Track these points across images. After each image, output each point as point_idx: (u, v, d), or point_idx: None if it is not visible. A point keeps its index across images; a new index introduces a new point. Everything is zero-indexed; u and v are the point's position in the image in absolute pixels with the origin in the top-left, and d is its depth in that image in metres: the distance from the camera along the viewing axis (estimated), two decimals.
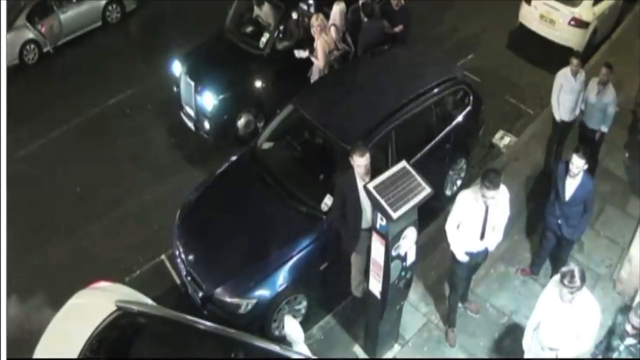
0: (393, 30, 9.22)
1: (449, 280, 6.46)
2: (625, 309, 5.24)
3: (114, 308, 5.71)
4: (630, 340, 4.99)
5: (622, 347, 5.04)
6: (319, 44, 8.66)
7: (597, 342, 5.39)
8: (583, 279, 4.65)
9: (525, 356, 5.54)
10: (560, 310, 4.88)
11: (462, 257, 5.91)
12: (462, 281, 6.30)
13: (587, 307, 4.83)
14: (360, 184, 5.67)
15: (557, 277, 4.85)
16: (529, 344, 5.40)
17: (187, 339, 5.55)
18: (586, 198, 6.22)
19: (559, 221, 6.42)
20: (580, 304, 4.80)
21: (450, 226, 5.83)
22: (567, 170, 6.10)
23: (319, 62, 8.74)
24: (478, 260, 6.14)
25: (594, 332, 4.96)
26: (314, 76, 9.02)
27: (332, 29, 8.84)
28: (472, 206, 5.62)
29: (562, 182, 6.21)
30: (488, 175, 5.39)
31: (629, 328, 4.89)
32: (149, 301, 6.16)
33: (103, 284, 6.39)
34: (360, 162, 5.65)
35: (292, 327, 5.62)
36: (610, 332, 5.25)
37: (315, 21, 8.63)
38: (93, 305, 5.91)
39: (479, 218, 5.67)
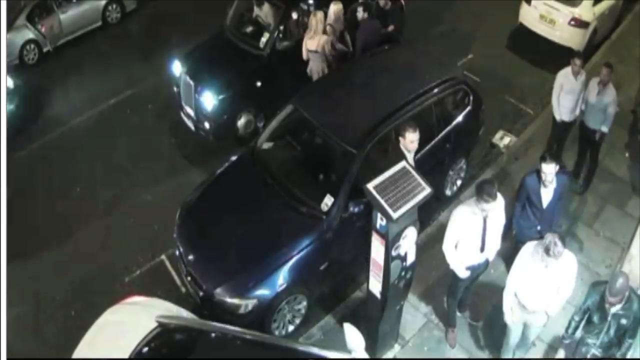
0: (385, 30, 9.23)
1: (449, 287, 6.39)
2: (596, 285, 5.27)
3: (155, 324, 5.37)
4: (615, 308, 5.03)
5: (609, 317, 5.08)
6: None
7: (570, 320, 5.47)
8: (564, 243, 4.96)
9: (509, 323, 5.76)
10: (541, 273, 5.14)
11: (463, 274, 5.86)
12: (462, 289, 6.28)
13: (566, 262, 5.11)
14: (411, 160, 6.22)
15: (530, 246, 5.24)
16: (510, 315, 5.62)
17: (239, 353, 5.31)
18: (561, 193, 6.13)
19: (538, 227, 6.22)
20: (560, 262, 5.05)
21: (448, 246, 5.73)
22: (539, 180, 5.96)
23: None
24: (479, 271, 6.11)
25: (574, 282, 5.30)
26: (311, 73, 9.04)
27: (329, 28, 8.84)
28: (470, 221, 5.55)
29: (536, 192, 6.05)
30: (484, 187, 5.31)
31: (608, 305, 4.98)
32: (191, 315, 5.94)
33: (138, 298, 6.09)
34: (413, 137, 6.18)
35: (351, 334, 5.47)
36: (586, 310, 5.29)
37: (314, 17, 8.65)
38: (131, 322, 5.55)
39: (478, 231, 5.61)
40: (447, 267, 7.31)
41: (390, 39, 9.25)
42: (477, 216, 5.49)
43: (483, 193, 5.27)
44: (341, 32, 9.24)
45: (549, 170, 5.80)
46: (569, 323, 5.49)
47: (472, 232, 5.61)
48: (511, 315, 5.65)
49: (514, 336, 5.94)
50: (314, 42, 8.73)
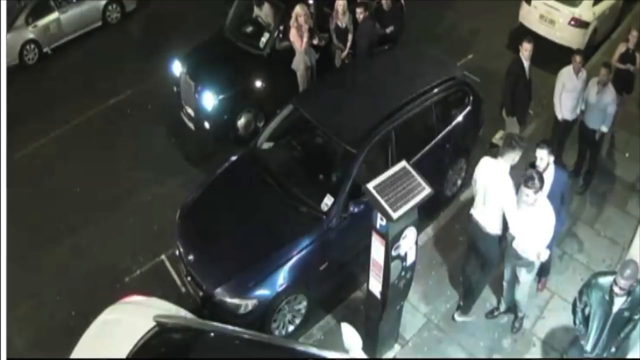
0: (384, 31, 9.22)
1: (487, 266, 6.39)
2: (598, 276, 5.33)
3: (153, 324, 5.34)
4: (619, 301, 5.07)
5: (614, 309, 5.09)
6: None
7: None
8: (542, 180, 5.43)
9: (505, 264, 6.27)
10: (526, 214, 5.60)
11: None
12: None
13: (545, 210, 5.57)
14: (526, 64, 7.82)
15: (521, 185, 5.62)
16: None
17: (238, 353, 5.28)
18: (563, 191, 6.19)
19: None
20: (540, 207, 5.54)
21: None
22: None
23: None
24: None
25: (547, 239, 5.69)
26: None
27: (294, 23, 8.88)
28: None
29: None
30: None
31: (617, 290, 4.99)
32: (189, 315, 5.90)
33: (136, 297, 6.05)
34: (529, 47, 7.69)
35: (348, 334, 5.45)
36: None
37: (301, 10, 8.72)
38: (129, 322, 5.53)
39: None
40: (446, 267, 7.37)
41: (389, 39, 9.25)
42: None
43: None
44: (344, 30, 9.25)
45: (541, 155, 5.93)
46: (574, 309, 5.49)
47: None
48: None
49: (507, 271, 6.33)
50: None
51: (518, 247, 5.86)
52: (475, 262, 6.41)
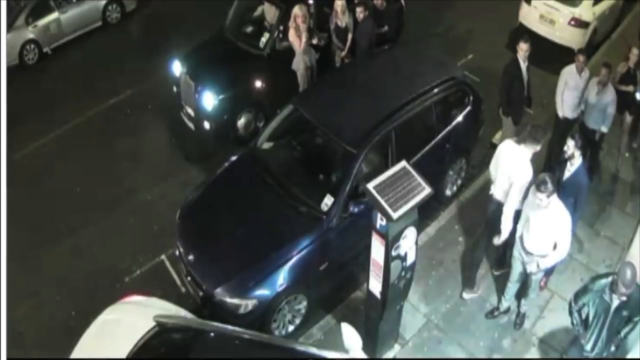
0: (379, 30, 9.23)
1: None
2: (595, 280, 5.35)
3: (153, 324, 5.34)
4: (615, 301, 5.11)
5: (611, 313, 5.11)
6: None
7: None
8: (554, 183, 5.54)
9: (513, 266, 6.35)
10: (539, 217, 5.72)
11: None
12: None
13: (559, 211, 5.66)
14: (523, 65, 7.81)
15: (530, 193, 5.80)
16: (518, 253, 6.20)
17: (238, 353, 5.28)
18: (579, 190, 6.24)
19: None
20: (554, 209, 5.63)
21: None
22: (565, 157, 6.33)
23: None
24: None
25: (568, 239, 5.81)
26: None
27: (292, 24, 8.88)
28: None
29: (560, 166, 6.42)
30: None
31: (618, 296, 5.02)
32: (189, 314, 5.91)
33: (135, 297, 6.06)
34: (525, 47, 7.68)
35: (348, 334, 5.45)
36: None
37: (300, 11, 8.70)
38: (129, 322, 5.53)
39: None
40: (448, 266, 7.37)
41: (386, 39, 9.24)
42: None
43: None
44: (344, 30, 9.25)
45: (570, 143, 6.20)
46: (570, 312, 5.50)
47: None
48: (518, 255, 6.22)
49: (514, 272, 6.38)
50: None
51: (531, 248, 5.97)
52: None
